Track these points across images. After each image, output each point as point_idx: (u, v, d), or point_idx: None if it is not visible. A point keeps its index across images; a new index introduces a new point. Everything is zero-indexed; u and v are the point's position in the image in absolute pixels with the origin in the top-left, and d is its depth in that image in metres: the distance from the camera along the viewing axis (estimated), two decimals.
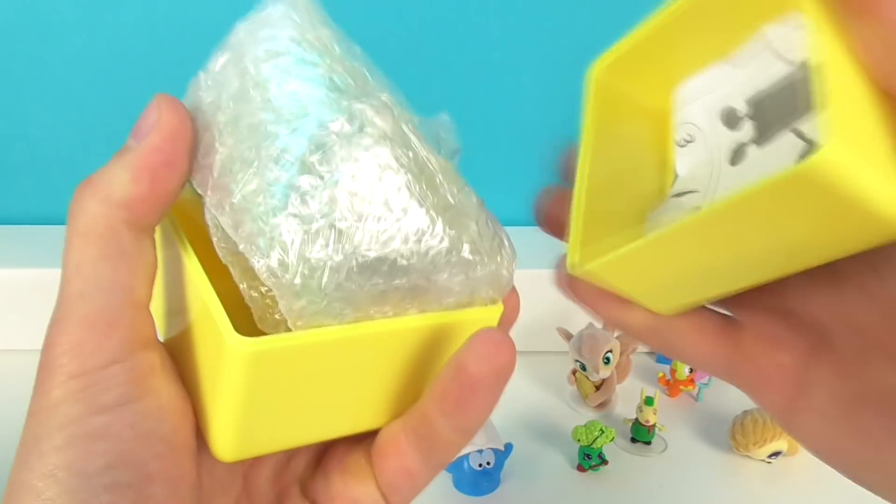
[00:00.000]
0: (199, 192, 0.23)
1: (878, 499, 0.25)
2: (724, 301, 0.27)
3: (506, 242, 0.25)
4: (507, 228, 0.92)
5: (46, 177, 0.96)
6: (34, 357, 0.22)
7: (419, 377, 0.25)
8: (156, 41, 0.88)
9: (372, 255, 0.21)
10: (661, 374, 0.84)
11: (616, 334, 0.83)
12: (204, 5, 0.86)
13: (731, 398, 0.84)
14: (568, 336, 0.84)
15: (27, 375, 0.22)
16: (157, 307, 0.25)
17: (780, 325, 0.25)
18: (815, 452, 0.25)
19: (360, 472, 0.25)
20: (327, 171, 0.22)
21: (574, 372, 0.82)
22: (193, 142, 0.23)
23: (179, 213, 0.24)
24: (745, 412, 0.76)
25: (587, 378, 0.80)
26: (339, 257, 0.21)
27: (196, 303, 0.22)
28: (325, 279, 0.21)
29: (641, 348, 0.89)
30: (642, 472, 0.71)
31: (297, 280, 0.20)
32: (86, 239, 0.21)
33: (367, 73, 0.26)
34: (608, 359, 0.79)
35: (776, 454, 0.71)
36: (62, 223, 0.24)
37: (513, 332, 0.99)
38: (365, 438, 0.26)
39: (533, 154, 1.02)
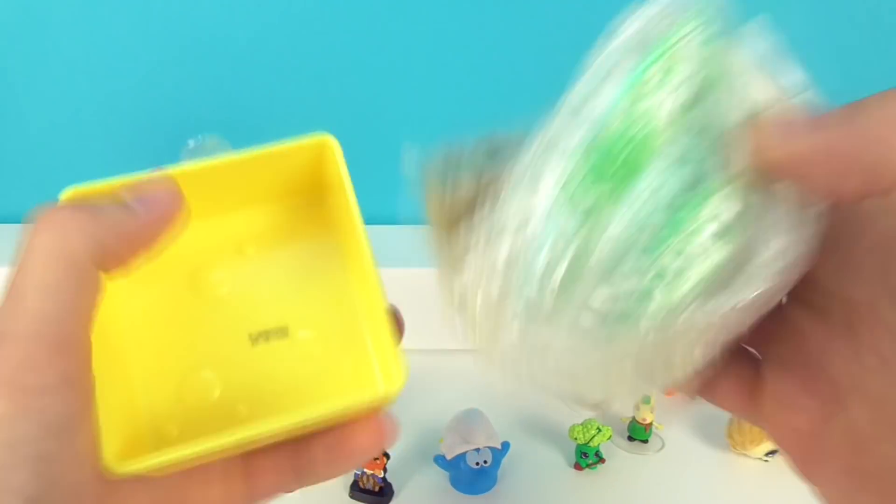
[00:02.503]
0: None
1: None
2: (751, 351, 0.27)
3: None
4: None
5: (45, 176, 0.96)
6: None
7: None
8: (154, 41, 0.88)
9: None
10: None
11: None
12: (202, 5, 0.86)
13: None
14: None
15: None
16: None
17: (798, 383, 0.24)
18: None
19: (234, 480, 0.26)
20: None
21: None
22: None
23: None
24: None
25: None
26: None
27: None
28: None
29: None
30: (639, 470, 0.72)
31: None
32: (64, 264, 0.21)
33: None
34: None
35: (773, 452, 0.71)
36: None
37: None
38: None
39: None
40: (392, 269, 0.89)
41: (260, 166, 0.26)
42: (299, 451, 0.26)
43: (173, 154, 0.92)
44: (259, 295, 0.28)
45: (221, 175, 0.26)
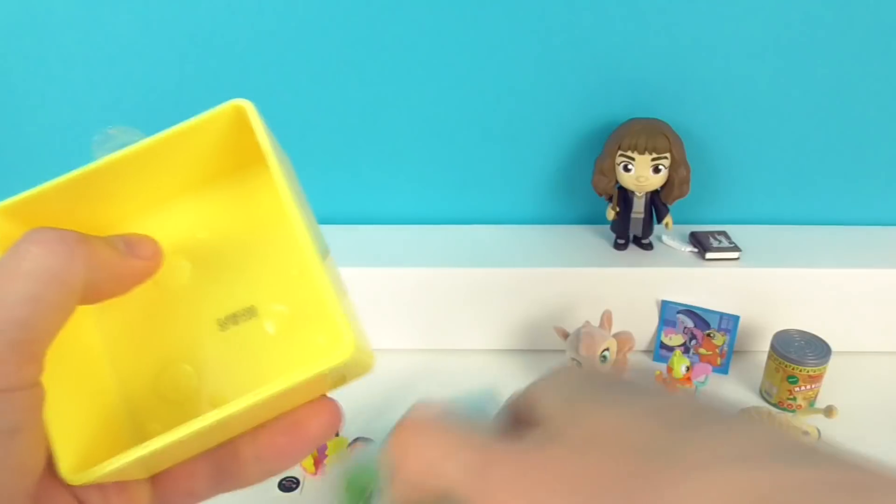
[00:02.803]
0: None
1: None
2: None
3: None
4: (511, 227, 0.92)
5: (45, 176, 0.96)
6: None
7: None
8: (154, 41, 0.88)
9: None
10: (657, 373, 0.84)
11: (613, 332, 0.84)
12: (201, 6, 0.86)
13: (728, 396, 0.84)
14: (565, 334, 0.84)
15: None
16: None
17: None
18: None
19: (139, 487, 0.25)
20: None
21: None
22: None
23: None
24: (742, 410, 0.76)
25: None
26: None
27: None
28: None
29: (638, 346, 0.89)
30: None
31: None
32: (59, 286, 0.22)
33: None
34: (605, 357, 0.79)
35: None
36: None
37: (510, 330, 0.99)
38: None
39: (536, 155, 1.02)
40: (392, 268, 0.90)
41: (182, 145, 0.25)
42: (220, 453, 0.25)
43: None
44: (220, 278, 0.27)
45: (148, 162, 0.25)
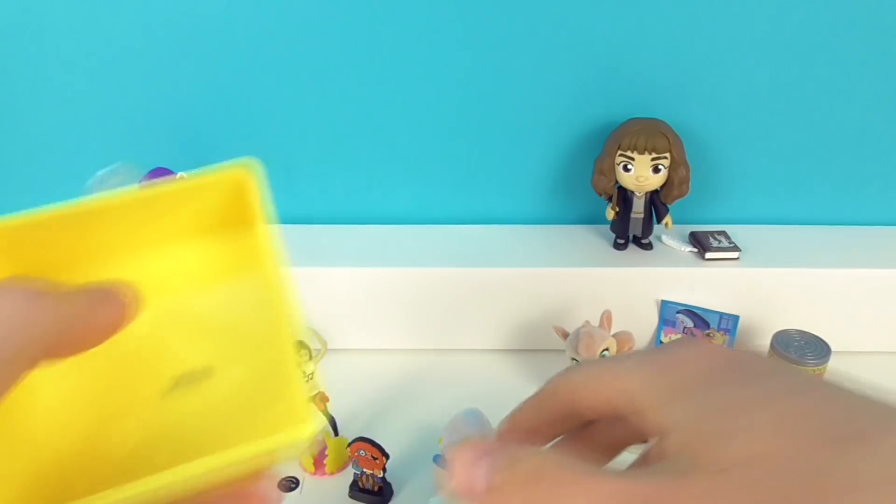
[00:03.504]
0: None
1: None
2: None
3: None
4: (511, 227, 0.92)
5: (45, 176, 0.96)
6: None
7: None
8: (154, 42, 0.88)
9: None
10: None
11: (612, 332, 0.84)
12: (201, 9, 0.86)
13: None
14: (564, 334, 0.84)
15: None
16: None
17: None
18: None
19: None
20: None
21: None
22: None
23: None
24: None
25: None
26: None
27: None
28: None
29: (638, 346, 0.89)
30: None
31: None
32: (14, 337, 0.20)
33: None
34: (604, 357, 0.79)
35: None
36: None
37: (510, 330, 0.98)
38: None
39: (536, 154, 1.02)
40: (392, 268, 0.90)
41: (176, 201, 0.25)
42: None
43: (170, 153, 0.92)
44: (181, 335, 0.26)
45: (137, 210, 0.25)
